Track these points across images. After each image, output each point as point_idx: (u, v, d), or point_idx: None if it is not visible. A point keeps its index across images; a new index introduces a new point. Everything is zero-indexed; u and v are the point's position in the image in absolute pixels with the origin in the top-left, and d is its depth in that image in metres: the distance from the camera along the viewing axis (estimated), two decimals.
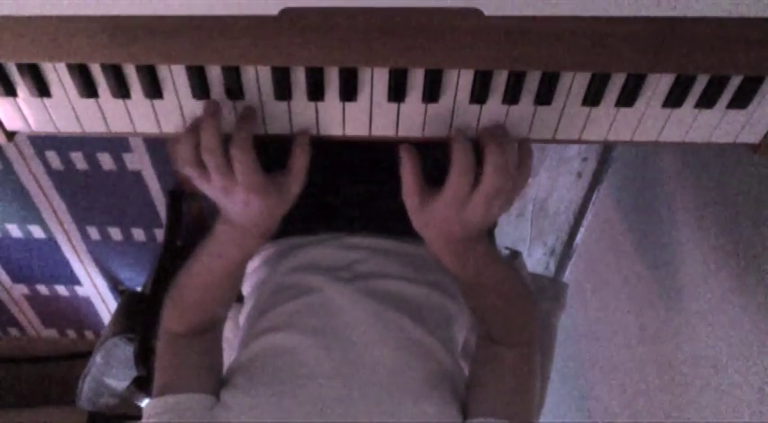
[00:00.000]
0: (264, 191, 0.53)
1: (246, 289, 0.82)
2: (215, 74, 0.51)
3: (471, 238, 0.56)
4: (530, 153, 0.53)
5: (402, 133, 0.55)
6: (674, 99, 0.52)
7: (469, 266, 0.60)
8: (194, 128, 0.51)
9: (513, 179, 0.51)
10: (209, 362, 0.68)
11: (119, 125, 0.54)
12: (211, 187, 0.53)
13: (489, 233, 0.94)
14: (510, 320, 0.67)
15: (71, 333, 2.01)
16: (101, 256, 1.68)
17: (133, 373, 1.10)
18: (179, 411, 0.60)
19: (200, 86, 0.51)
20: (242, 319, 0.78)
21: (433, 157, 0.55)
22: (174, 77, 0.51)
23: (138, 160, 1.39)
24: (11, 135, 0.55)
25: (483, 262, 0.60)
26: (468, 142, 0.50)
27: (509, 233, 1.56)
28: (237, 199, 0.53)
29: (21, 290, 1.82)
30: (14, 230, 1.60)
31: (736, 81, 0.51)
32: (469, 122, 0.54)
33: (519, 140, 0.54)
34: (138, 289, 1.70)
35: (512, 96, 0.51)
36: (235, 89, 0.51)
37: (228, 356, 0.71)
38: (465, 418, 0.61)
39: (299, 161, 0.56)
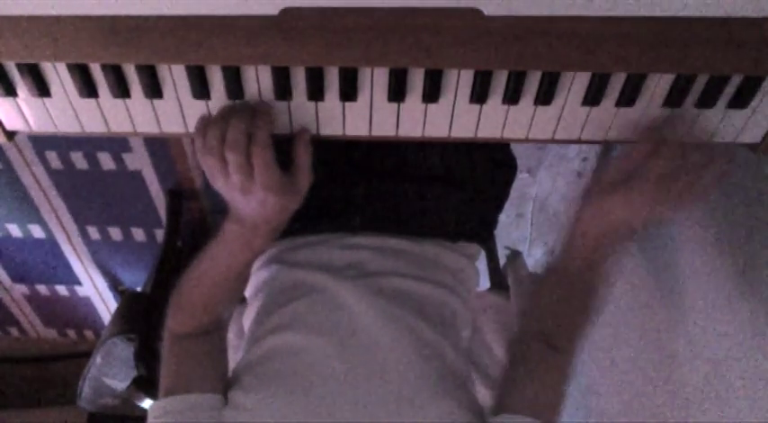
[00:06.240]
0: (281, 189, 0.54)
1: (250, 290, 0.81)
2: (215, 74, 0.51)
3: (616, 238, 0.60)
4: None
5: (402, 133, 0.55)
6: (674, 99, 0.52)
7: (588, 264, 0.63)
8: (223, 117, 0.51)
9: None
10: (214, 362, 0.68)
11: (119, 125, 0.54)
12: (228, 184, 0.53)
13: (489, 233, 0.94)
14: (570, 325, 0.67)
15: (71, 333, 2.01)
16: (101, 256, 1.68)
17: (133, 373, 1.10)
18: (186, 411, 0.60)
19: (200, 86, 0.51)
20: (245, 320, 0.78)
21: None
22: (174, 77, 0.51)
23: (138, 160, 1.39)
24: (11, 135, 0.55)
25: (601, 265, 0.63)
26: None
27: (509, 233, 1.56)
28: (254, 198, 0.54)
29: (21, 290, 1.82)
30: (14, 230, 1.60)
31: (736, 81, 0.51)
32: (470, 123, 0.54)
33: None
34: (138, 289, 1.71)
35: (512, 96, 0.51)
36: (235, 89, 0.51)
37: (230, 357, 0.70)
38: (497, 412, 0.61)
39: (304, 158, 0.56)
